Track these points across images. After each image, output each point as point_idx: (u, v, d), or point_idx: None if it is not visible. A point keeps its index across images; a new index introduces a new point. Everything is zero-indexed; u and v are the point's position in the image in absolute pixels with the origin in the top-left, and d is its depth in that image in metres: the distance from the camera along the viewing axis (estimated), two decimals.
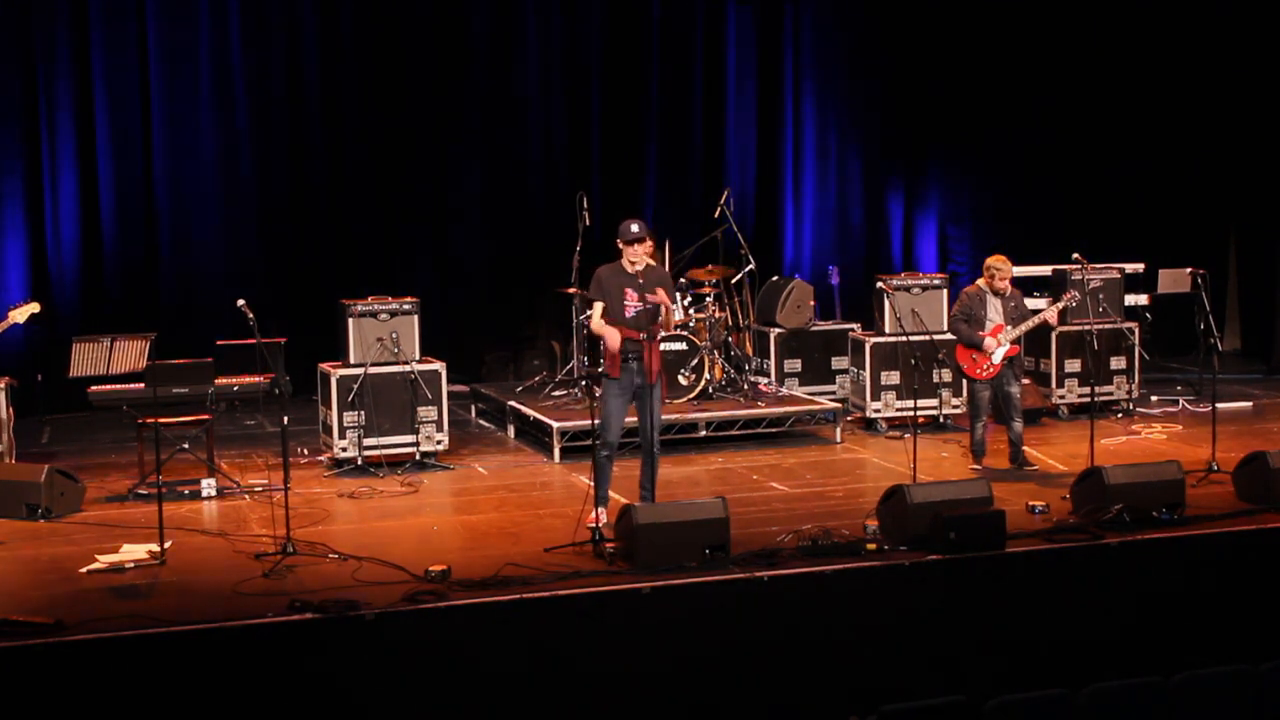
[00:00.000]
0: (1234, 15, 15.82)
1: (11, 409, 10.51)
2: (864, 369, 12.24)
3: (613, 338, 8.72)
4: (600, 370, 8.88)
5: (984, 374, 10.52)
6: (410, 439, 10.93)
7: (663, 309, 8.80)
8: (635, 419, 9.03)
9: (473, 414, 13.20)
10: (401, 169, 14.24)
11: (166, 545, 8.50)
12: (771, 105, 15.32)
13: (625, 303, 8.87)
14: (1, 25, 12.90)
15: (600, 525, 8.56)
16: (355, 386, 10.76)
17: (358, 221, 14.13)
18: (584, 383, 11.71)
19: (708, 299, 12.45)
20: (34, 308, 10.03)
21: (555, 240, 13.65)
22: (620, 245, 8.86)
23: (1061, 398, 12.67)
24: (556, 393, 12.28)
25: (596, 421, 8.81)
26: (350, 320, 10.94)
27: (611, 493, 9.03)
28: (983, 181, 15.87)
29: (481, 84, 14.35)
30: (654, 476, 8.97)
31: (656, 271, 9.00)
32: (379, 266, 14.02)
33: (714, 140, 15.14)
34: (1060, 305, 10.97)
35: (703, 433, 11.62)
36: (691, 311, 12.23)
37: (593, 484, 8.91)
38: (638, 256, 8.85)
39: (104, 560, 8.32)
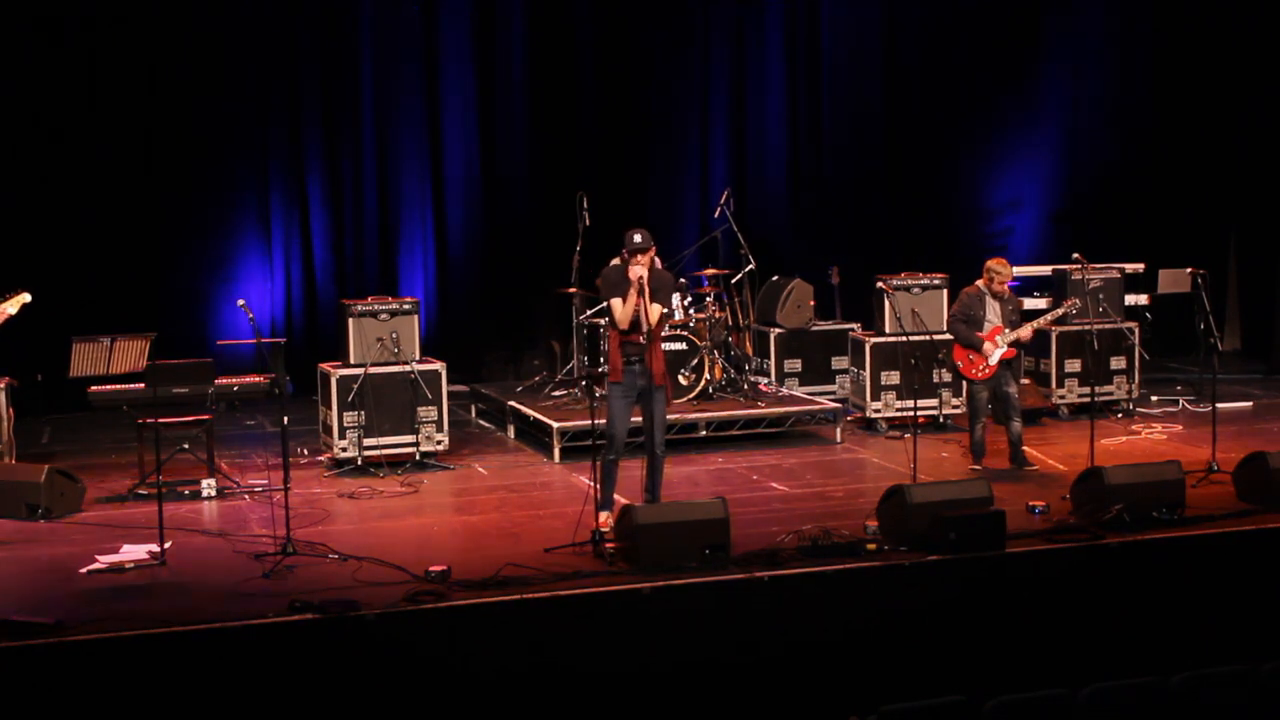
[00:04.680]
0: (1234, 14, 15.83)
1: (11, 409, 10.51)
2: (864, 369, 12.24)
3: (634, 293, 8.69)
4: (601, 371, 8.87)
5: (979, 375, 10.53)
6: (410, 439, 10.93)
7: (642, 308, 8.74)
8: (638, 419, 9.02)
9: (473, 414, 13.20)
10: (401, 168, 14.25)
11: (166, 545, 8.51)
12: (772, 100, 15.32)
13: None
14: None
15: (608, 530, 8.54)
16: (355, 386, 10.76)
17: (357, 220, 14.14)
18: (584, 383, 11.71)
19: (708, 299, 12.45)
20: (25, 298, 10.00)
21: (555, 240, 13.67)
22: (624, 254, 8.85)
23: (1061, 398, 12.67)
24: (556, 393, 12.28)
25: (600, 422, 8.79)
26: (350, 320, 10.94)
27: (614, 494, 9.02)
28: (986, 181, 15.88)
29: (479, 83, 14.35)
30: (658, 480, 8.95)
31: (658, 277, 8.94)
32: (379, 266, 14.03)
33: (714, 138, 15.14)
34: (1048, 318, 10.99)
35: (703, 433, 11.62)
36: (691, 311, 12.23)
37: (596, 486, 8.87)
38: (637, 266, 8.81)
39: (104, 560, 8.32)
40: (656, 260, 9.01)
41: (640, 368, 8.82)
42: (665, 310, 9.01)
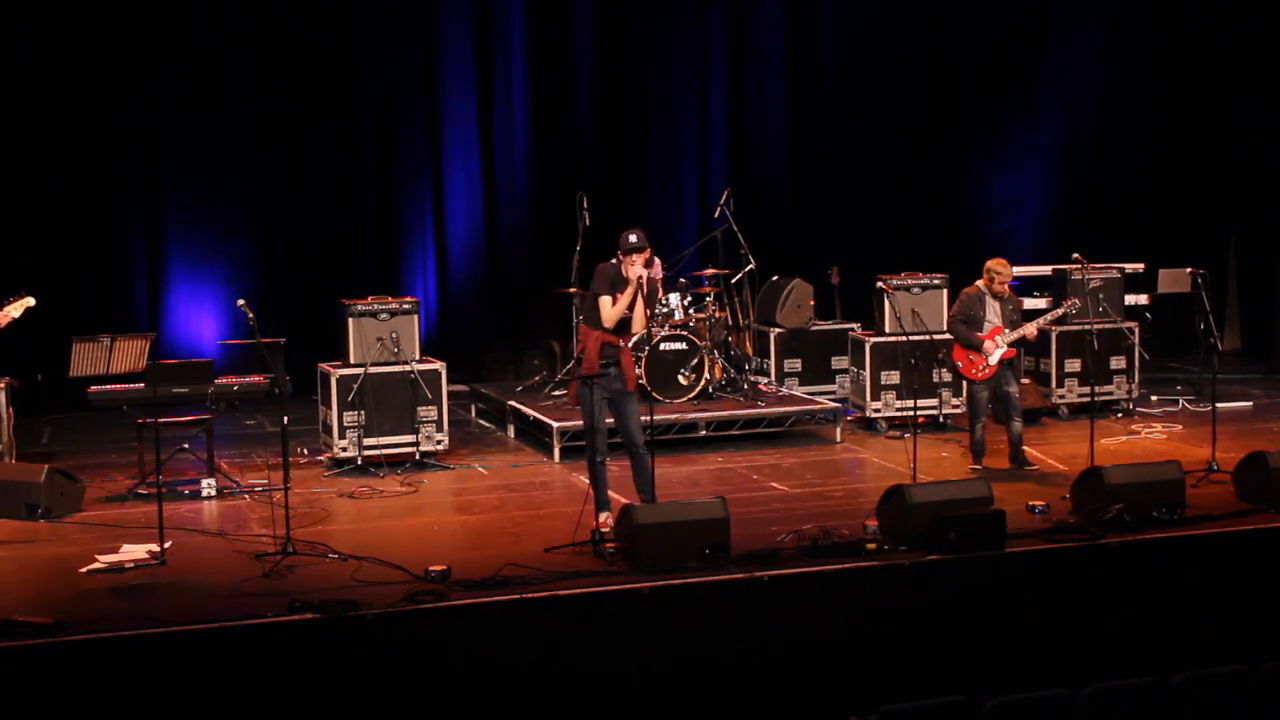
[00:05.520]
0: (1234, 15, 15.83)
1: (11, 409, 10.51)
2: (864, 369, 12.24)
3: (626, 296, 8.70)
4: (600, 372, 8.85)
5: (979, 375, 10.53)
6: (410, 439, 10.93)
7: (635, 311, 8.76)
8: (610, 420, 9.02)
9: (473, 414, 13.20)
10: (401, 168, 14.25)
11: (166, 545, 8.51)
12: (772, 100, 15.33)
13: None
14: None
15: (607, 530, 8.54)
16: (355, 386, 10.76)
17: (358, 221, 14.14)
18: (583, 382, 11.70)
19: (708, 299, 12.45)
20: (28, 301, 10.03)
21: (555, 240, 13.67)
22: (619, 254, 8.85)
23: (1061, 398, 12.67)
24: (556, 393, 12.28)
25: (579, 424, 8.77)
26: (350, 320, 10.94)
27: (612, 493, 9.03)
28: (986, 180, 15.90)
29: (478, 82, 14.35)
30: (649, 478, 8.94)
31: (649, 283, 8.98)
32: (379, 266, 14.03)
33: (714, 137, 15.15)
34: (1048, 318, 10.99)
35: (703, 433, 11.61)
36: (691, 311, 12.23)
37: (593, 488, 8.89)
38: (636, 266, 8.82)
39: (104, 560, 8.32)
40: (656, 262, 9.00)
41: (616, 371, 8.81)
42: (651, 313, 9.00)
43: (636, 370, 8.98)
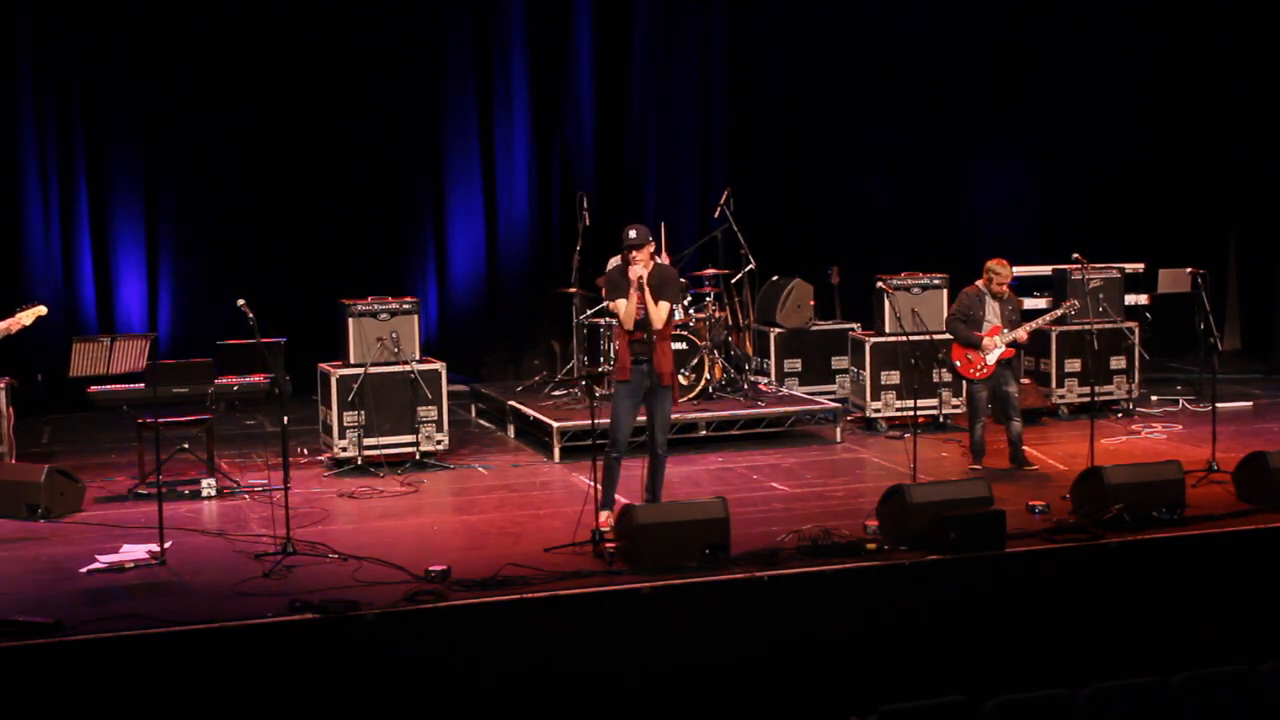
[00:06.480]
0: (1233, 15, 15.83)
1: (11, 409, 10.51)
2: (864, 369, 12.24)
3: (631, 297, 8.69)
4: (601, 371, 8.87)
5: (978, 374, 10.54)
6: (410, 439, 10.93)
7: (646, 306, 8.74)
8: (643, 418, 9.03)
9: (473, 414, 13.20)
10: (401, 168, 14.25)
11: (166, 545, 8.51)
12: (773, 100, 15.33)
13: None
14: None
15: (607, 529, 8.53)
16: (355, 386, 10.76)
17: (358, 221, 14.14)
18: (584, 382, 11.71)
19: (708, 299, 12.45)
20: (40, 310, 10.05)
21: (555, 240, 13.63)
22: (623, 252, 8.85)
23: (1061, 398, 12.67)
24: (556, 393, 12.28)
25: (604, 422, 8.78)
26: (350, 320, 10.94)
27: (615, 494, 9.02)
28: (985, 180, 15.90)
29: (478, 82, 14.35)
30: (659, 480, 8.95)
31: (661, 273, 8.95)
32: (379, 266, 14.02)
33: (714, 137, 15.14)
34: (1047, 318, 10.97)
35: (703, 433, 11.61)
36: (691, 311, 12.23)
37: (597, 485, 8.85)
38: (639, 262, 8.81)
39: (104, 560, 8.32)
40: (664, 256, 8.99)
41: (648, 367, 8.80)
42: (674, 306, 8.95)
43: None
